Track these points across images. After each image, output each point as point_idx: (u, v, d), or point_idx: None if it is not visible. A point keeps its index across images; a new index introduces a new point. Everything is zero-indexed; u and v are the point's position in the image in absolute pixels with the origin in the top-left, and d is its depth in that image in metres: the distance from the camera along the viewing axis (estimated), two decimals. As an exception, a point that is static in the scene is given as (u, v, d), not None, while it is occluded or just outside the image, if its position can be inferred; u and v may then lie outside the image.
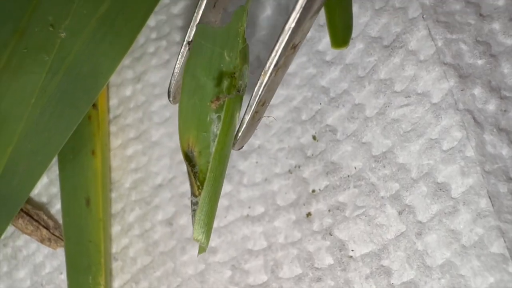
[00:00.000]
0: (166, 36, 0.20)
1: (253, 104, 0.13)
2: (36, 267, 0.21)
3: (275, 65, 0.13)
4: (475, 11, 0.16)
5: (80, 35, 0.17)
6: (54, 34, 0.16)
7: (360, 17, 0.17)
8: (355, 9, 0.17)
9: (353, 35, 0.17)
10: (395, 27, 0.16)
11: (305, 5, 0.12)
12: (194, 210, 0.12)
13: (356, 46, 0.17)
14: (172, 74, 0.15)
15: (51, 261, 0.21)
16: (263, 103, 0.13)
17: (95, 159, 0.19)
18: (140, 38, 0.20)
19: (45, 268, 0.21)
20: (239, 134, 0.13)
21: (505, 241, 0.14)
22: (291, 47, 0.13)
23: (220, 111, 0.13)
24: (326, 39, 0.18)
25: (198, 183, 0.12)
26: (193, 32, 0.14)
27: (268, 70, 0.13)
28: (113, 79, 0.21)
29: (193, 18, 0.14)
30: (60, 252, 0.20)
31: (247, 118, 0.13)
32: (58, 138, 0.17)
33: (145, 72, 0.21)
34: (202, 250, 0.13)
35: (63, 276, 0.20)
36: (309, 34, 0.18)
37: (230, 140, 0.13)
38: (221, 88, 0.13)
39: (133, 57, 0.21)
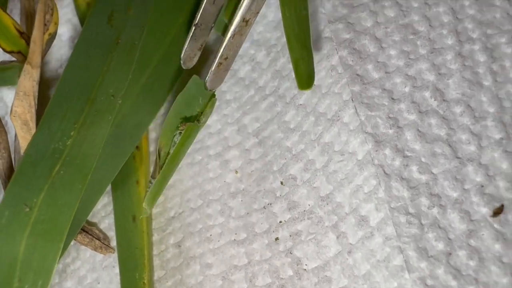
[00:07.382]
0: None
1: (216, 58, 0.21)
2: (80, 278, 0.28)
3: (233, 32, 0.21)
4: (388, 96, 0.23)
5: (130, 99, 0.25)
6: (114, 101, 0.22)
7: (312, 98, 0.24)
8: (309, 92, 0.24)
9: (307, 110, 0.24)
10: (334, 106, 0.23)
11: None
12: (149, 187, 0.19)
13: (309, 119, 0.24)
14: (184, 49, 0.23)
15: (91, 274, 0.27)
16: (225, 58, 0.21)
17: (139, 187, 0.26)
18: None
19: (87, 279, 0.27)
20: (208, 79, 0.22)
21: (403, 257, 0.20)
22: (244, 21, 0.21)
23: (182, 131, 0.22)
24: (291, 113, 0.25)
25: (159, 170, 0.20)
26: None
27: (227, 36, 0.21)
28: (151, 131, 0.28)
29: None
30: (99, 265, 0.27)
31: (213, 67, 0.21)
32: (112, 171, 0.24)
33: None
34: (145, 214, 0.20)
35: (100, 285, 0.27)
36: (278, 109, 0.25)
37: (184, 150, 0.21)
38: (189, 118, 0.22)
39: (159, 114, 0.28)
